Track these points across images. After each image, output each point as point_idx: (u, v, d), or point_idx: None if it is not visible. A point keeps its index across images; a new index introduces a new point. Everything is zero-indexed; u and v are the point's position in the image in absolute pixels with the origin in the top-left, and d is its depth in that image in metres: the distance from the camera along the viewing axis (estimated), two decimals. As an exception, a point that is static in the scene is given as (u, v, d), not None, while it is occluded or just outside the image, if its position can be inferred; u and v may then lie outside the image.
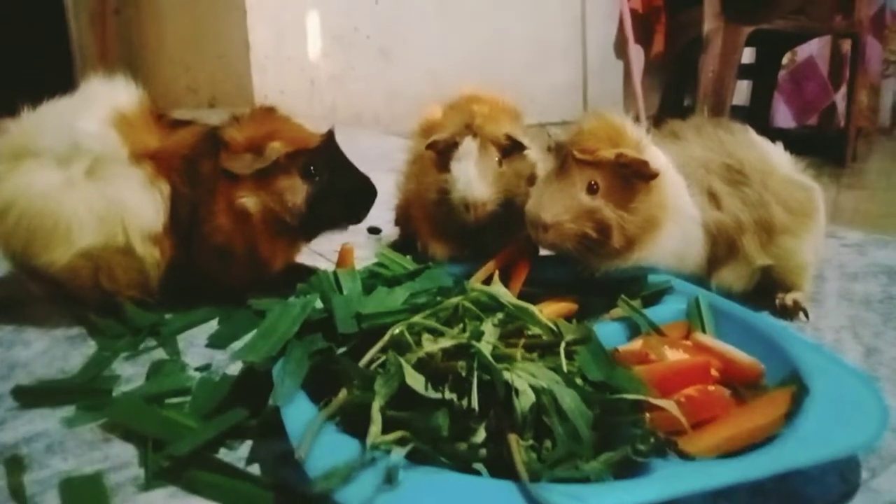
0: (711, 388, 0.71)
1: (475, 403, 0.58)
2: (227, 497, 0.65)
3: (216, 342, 0.98)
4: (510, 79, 4.06)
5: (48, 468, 0.70)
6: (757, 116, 4.49)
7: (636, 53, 4.75)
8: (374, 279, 0.93)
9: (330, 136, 1.08)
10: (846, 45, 4.91)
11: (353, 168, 1.09)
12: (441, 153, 1.06)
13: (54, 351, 0.97)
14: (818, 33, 4.46)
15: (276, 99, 3.77)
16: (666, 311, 0.91)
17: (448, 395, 0.60)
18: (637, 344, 0.78)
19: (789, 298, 1.04)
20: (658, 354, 0.74)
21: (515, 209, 1.03)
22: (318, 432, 0.60)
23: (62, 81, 1.15)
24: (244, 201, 1.00)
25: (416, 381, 0.60)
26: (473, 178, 1.00)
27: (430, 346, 0.64)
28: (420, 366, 0.64)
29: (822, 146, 4.05)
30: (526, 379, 0.60)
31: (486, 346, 0.63)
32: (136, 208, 0.99)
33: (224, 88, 3.91)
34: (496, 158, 1.03)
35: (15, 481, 0.67)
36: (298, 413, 0.64)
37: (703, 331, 0.85)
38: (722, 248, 1.02)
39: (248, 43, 3.68)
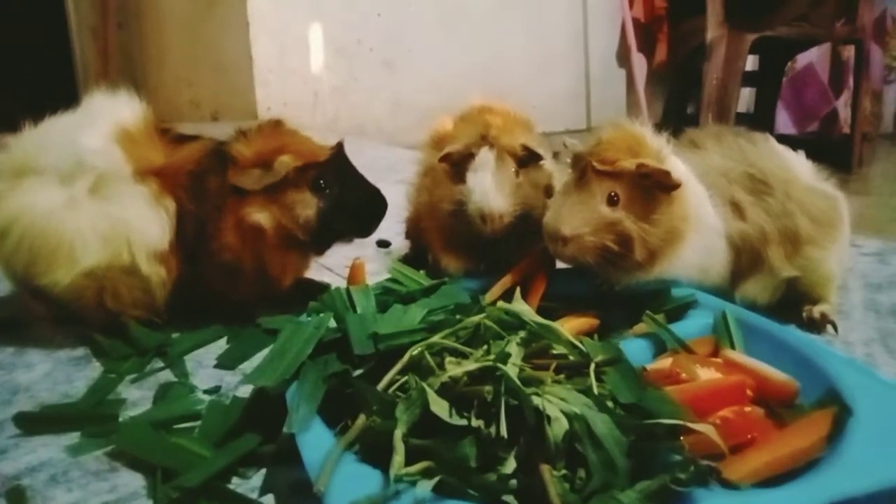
0: (748, 408, 0.67)
1: (504, 431, 0.55)
2: (240, 531, 0.61)
3: (225, 363, 0.94)
4: (513, 88, 4.04)
5: (52, 501, 0.67)
6: (761, 124, 4.46)
7: (639, 62, 4.73)
8: (387, 296, 0.90)
9: (339, 149, 1.05)
10: (846, 52, 4.90)
11: (363, 180, 1.07)
12: (455, 164, 1.03)
13: (57, 374, 0.93)
14: (821, 40, 4.44)
15: (279, 112, 3.75)
16: (691, 327, 0.87)
17: (474, 422, 0.57)
18: (666, 362, 0.75)
19: (816, 311, 1.00)
20: (690, 374, 0.71)
21: (532, 221, 1.00)
22: (337, 462, 0.57)
23: (65, 96, 1.12)
24: (256, 217, 0.98)
25: (440, 407, 0.57)
26: (490, 190, 0.97)
27: (454, 369, 0.61)
28: (443, 390, 0.60)
29: (826, 152, 4.01)
30: (556, 404, 0.56)
31: (512, 369, 0.59)
32: (141, 227, 0.96)
33: (227, 102, 3.90)
34: (513, 169, 1.00)
35: (17, 515, 0.64)
36: (315, 441, 0.61)
37: (732, 347, 0.82)
38: (746, 259, 0.98)
39: (251, 56, 3.67)
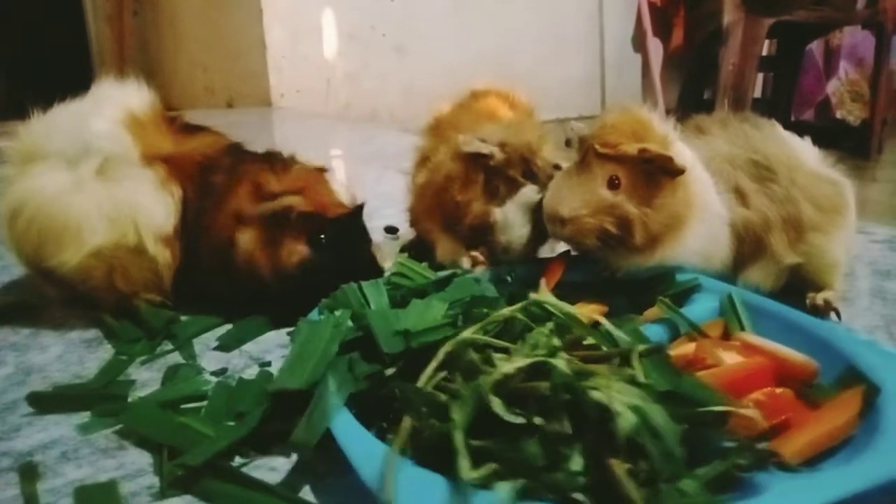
0: (778, 390, 0.67)
1: (568, 428, 0.53)
2: (242, 507, 0.63)
3: (226, 343, 0.96)
4: (526, 73, 4.03)
5: (62, 476, 0.69)
6: (777, 109, 4.40)
7: (655, 47, 4.69)
8: (396, 290, 0.89)
9: (355, 213, 1.02)
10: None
11: (365, 251, 1.03)
12: (489, 171, 0.99)
13: (70, 355, 0.96)
14: (841, 24, 4.37)
15: (292, 98, 3.77)
16: (697, 311, 0.86)
17: (536, 419, 0.54)
18: (688, 347, 0.74)
19: (820, 298, 1.00)
20: (714, 358, 0.70)
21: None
22: (395, 468, 0.53)
23: (81, 83, 1.14)
24: (239, 236, 0.97)
25: (500, 407, 0.55)
26: (523, 233, 0.99)
27: (505, 366, 0.58)
28: (495, 388, 0.57)
29: (841, 138, 3.95)
30: (617, 398, 0.54)
31: (562, 363, 0.57)
32: (148, 208, 0.97)
33: (241, 88, 3.92)
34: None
35: (29, 490, 0.66)
36: (360, 444, 0.59)
37: (741, 329, 0.81)
38: (749, 246, 0.98)
39: (265, 43, 3.69)
